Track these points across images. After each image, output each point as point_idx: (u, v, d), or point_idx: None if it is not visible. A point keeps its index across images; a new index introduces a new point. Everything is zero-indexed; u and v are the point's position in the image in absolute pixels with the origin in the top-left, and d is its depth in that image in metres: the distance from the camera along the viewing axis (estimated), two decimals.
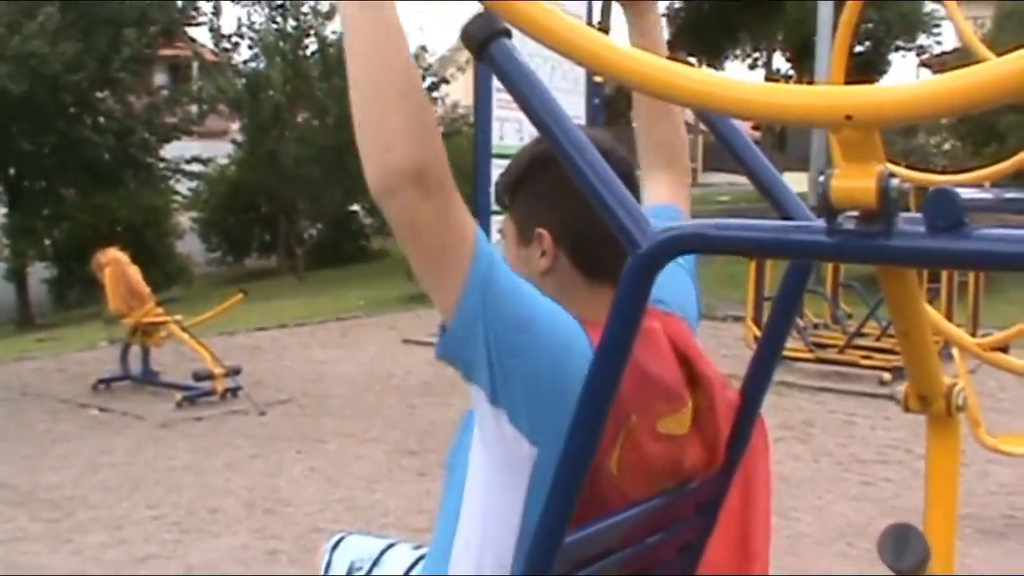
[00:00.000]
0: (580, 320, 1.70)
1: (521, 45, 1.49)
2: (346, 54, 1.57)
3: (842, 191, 1.17)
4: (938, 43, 33.56)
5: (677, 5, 35.54)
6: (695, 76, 1.23)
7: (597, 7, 12.72)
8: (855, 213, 1.18)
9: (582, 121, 9.16)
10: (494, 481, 1.70)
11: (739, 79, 1.25)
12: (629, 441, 1.66)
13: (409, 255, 1.61)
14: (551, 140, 1.46)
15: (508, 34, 1.47)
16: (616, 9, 3.10)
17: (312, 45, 22.74)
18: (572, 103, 8.60)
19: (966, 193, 2.20)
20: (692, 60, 1.81)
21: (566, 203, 1.72)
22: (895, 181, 1.15)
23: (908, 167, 5.44)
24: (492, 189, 6.03)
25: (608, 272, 1.77)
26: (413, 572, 2.16)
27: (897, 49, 34.60)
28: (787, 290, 1.79)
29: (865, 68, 31.25)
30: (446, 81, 23.35)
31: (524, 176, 1.87)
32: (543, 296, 1.70)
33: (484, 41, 1.47)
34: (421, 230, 1.56)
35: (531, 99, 1.46)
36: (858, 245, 1.19)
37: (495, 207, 6.02)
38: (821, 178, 1.19)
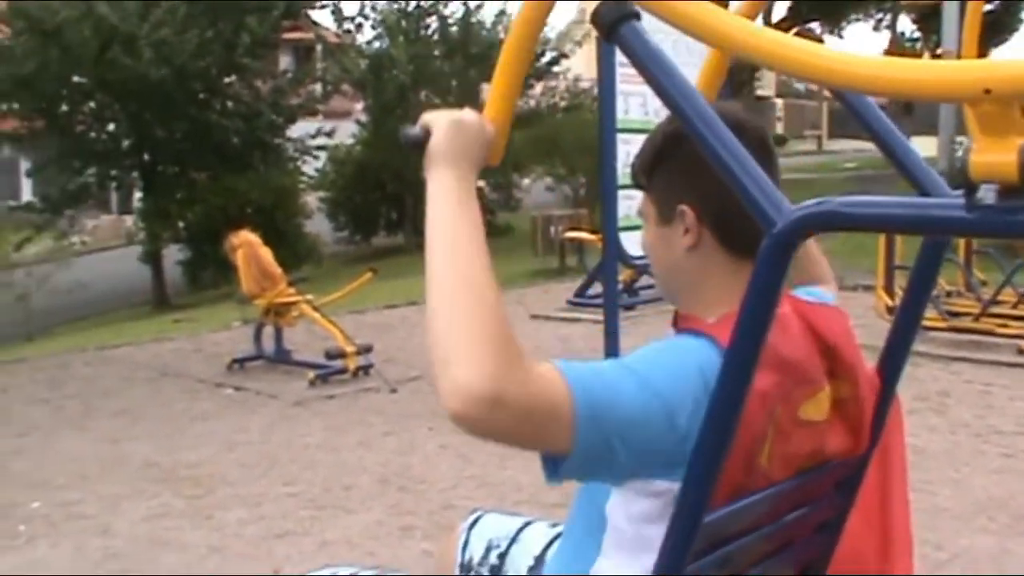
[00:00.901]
0: (709, 329, 1.65)
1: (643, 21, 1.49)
2: (427, 254, 1.55)
3: (981, 165, 1.15)
4: None
5: None
6: (826, 54, 1.23)
7: None
8: (995, 186, 1.16)
9: None
10: (633, 513, 1.69)
11: (870, 55, 1.23)
12: (777, 434, 1.62)
13: (504, 444, 1.52)
14: (683, 120, 1.44)
15: (638, 16, 1.47)
16: None
17: (433, 23, 22.91)
18: (695, 76, 8.51)
19: None
20: (815, 28, 1.79)
21: (706, 178, 1.59)
22: None
23: None
24: (618, 164, 6.01)
25: (752, 249, 1.70)
26: (550, 550, 2.17)
27: None
28: (924, 263, 1.76)
29: (994, 28, 30.34)
30: (565, 56, 23.38)
31: (660, 155, 1.83)
32: (654, 367, 1.59)
33: (614, 23, 1.47)
34: (507, 436, 1.47)
35: (662, 79, 1.45)
36: (999, 220, 1.17)
37: (622, 182, 6.01)
38: (959, 152, 1.16)
